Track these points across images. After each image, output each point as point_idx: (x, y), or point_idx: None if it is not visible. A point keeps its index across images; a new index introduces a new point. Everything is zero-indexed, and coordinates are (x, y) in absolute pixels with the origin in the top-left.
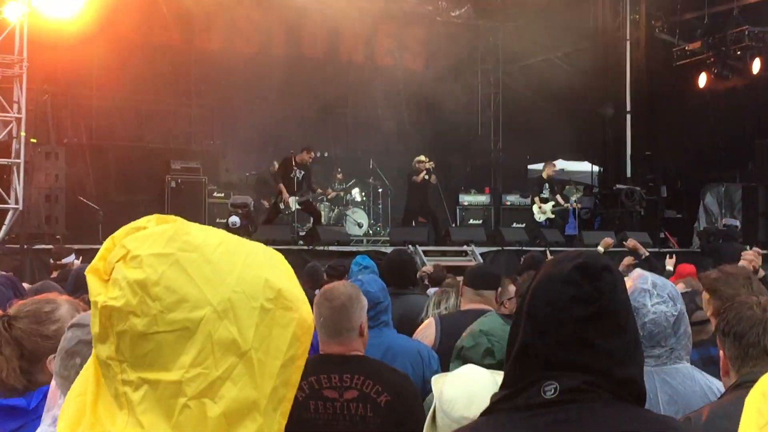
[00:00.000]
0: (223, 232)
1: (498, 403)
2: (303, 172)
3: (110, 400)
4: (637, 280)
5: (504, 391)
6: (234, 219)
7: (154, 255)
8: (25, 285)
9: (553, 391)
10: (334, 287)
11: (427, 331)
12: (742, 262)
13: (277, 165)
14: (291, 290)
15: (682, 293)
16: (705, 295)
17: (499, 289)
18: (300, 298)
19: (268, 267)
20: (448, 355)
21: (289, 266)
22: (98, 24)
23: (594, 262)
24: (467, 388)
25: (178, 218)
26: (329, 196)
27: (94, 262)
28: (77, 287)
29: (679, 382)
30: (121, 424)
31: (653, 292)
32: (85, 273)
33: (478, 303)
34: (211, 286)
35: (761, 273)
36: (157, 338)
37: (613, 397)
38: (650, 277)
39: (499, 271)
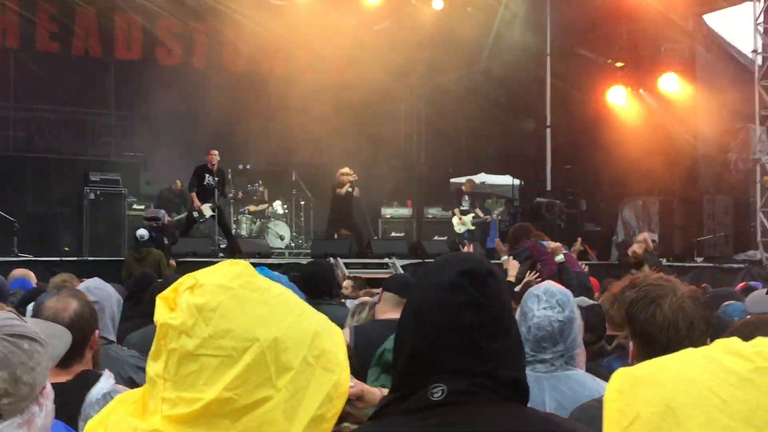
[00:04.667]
0: (287, 290)
1: (387, 406)
2: (217, 179)
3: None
4: (534, 288)
5: (393, 394)
6: (142, 231)
7: (217, 285)
8: None
9: (440, 393)
10: None
11: None
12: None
13: (179, 183)
14: (335, 353)
15: (586, 306)
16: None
17: None
18: (342, 363)
19: (318, 327)
20: (365, 367)
21: (341, 335)
22: (16, 34)
23: (478, 268)
24: None
25: (245, 262)
26: (239, 199)
27: (166, 291)
28: None
29: (568, 387)
30: (150, 424)
31: (542, 297)
32: (156, 298)
33: (396, 312)
34: (262, 324)
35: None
36: (202, 360)
37: (500, 397)
38: (548, 285)
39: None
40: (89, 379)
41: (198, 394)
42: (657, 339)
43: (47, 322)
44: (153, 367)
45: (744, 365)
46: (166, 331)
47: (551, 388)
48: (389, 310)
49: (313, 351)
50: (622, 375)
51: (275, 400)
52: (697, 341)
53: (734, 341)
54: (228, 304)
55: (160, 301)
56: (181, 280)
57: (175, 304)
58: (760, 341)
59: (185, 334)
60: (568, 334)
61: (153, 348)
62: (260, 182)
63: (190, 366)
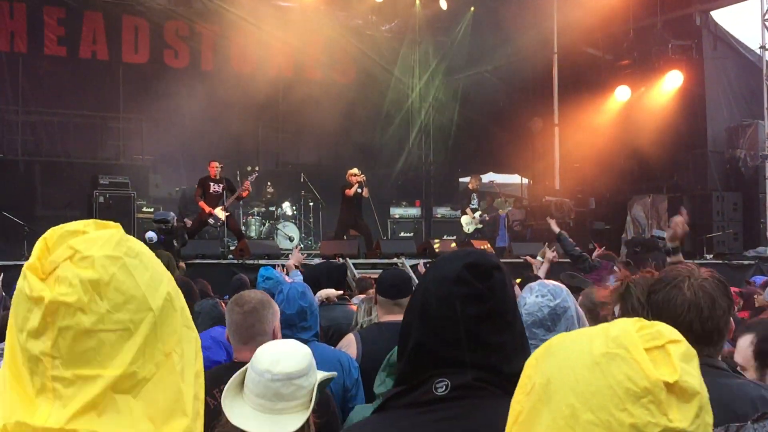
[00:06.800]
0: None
1: (390, 400)
2: (222, 185)
3: (28, 394)
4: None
5: (397, 388)
6: (150, 234)
7: (106, 257)
8: None
9: (444, 387)
10: (244, 293)
11: (348, 350)
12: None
13: None
14: (187, 308)
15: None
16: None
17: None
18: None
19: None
20: (372, 372)
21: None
22: (24, 39)
23: (484, 261)
24: (276, 349)
25: (116, 224)
26: (245, 195)
27: (32, 260)
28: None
29: None
30: (43, 416)
31: (535, 287)
32: (23, 269)
33: (396, 314)
34: (150, 291)
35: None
36: (100, 336)
37: (502, 392)
38: (542, 280)
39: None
40: None
41: (99, 370)
42: (679, 321)
43: None
44: (36, 345)
45: (600, 348)
46: (57, 308)
47: None
48: (386, 313)
49: (185, 311)
50: (544, 344)
51: (168, 365)
52: (721, 319)
53: (626, 322)
54: (120, 275)
55: (31, 273)
56: (40, 246)
57: (46, 275)
58: (630, 328)
59: (81, 311)
60: (559, 323)
61: (36, 325)
62: (269, 183)
63: (86, 343)
